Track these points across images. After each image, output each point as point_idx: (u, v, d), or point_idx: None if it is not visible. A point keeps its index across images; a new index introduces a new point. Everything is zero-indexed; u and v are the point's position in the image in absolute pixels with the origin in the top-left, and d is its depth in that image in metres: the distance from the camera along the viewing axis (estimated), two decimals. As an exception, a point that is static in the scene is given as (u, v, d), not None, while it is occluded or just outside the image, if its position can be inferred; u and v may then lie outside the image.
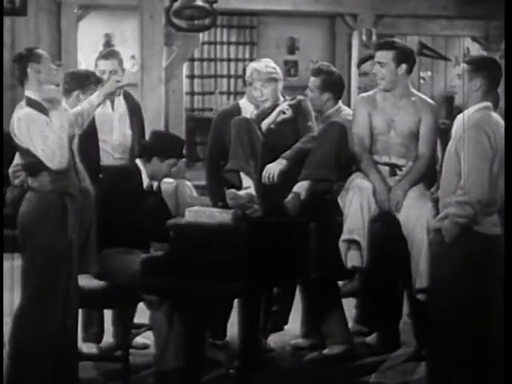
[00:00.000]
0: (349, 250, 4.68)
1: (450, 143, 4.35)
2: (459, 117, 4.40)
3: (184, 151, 5.36)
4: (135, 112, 5.71)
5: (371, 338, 5.84)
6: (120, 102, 5.64)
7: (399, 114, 4.96)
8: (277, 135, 4.99)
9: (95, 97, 4.84)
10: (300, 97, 5.22)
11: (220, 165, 5.32)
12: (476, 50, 12.24)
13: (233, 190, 4.66)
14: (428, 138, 4.94)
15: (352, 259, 4.68)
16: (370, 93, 5.12)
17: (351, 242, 4.66)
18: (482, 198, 4.16)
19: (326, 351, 5.60)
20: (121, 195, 5.06)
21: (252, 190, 4.71)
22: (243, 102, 5.57)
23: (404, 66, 4.94)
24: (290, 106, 5.05)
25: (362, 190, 4.76)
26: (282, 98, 5.13)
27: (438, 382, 4.42)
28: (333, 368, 5.47)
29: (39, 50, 4.68)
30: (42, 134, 4.49)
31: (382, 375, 5.21)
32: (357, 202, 4.72)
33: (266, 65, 5.10)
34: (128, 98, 5.72)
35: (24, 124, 4.51)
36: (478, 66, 4.35)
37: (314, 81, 5.45)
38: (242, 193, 4.66)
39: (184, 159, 5.56)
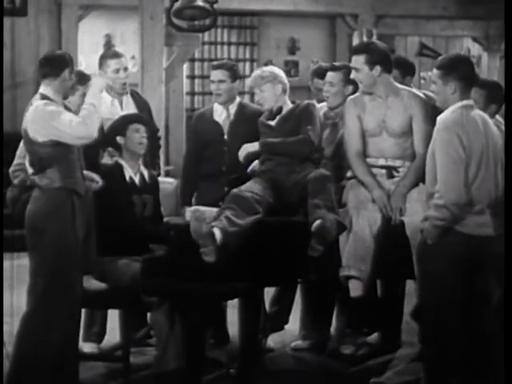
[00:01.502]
0: (349, 280, 4.67)
1: (430, 145, 4.32)
2: (438, 118, 4.38)
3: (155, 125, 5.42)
4: (144, 110, 5.73)
5: (372, 338, 5.84)
6: (128, 100, 5.66)
7: (388, 113, 4.93)
8: (275, 133, 5.03)
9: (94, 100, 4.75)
10: (308, 101, 5.23)
11: (196, 164, 5.45)
12: (476, 51, 12.27)
13: (201, 209, 4.59)
14: (422, 134, 4.88)
15: (354, 290, 4.67)
16: (357, 95, 5.10)
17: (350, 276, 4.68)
18: (457, 201, 4.13)
19: (346, 351, 5.63)
20: (105, 194, 5.03)
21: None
22: (216, 105, 5.63)
23: (378, 68, 4.90)
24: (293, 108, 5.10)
25: (359, 218, 4.74)
26: (288, 102, 5.14)
27: (433, 382, 4.42)
28: (334, 368, 5.48)
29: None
30: (65, 113, 4.50)
31: (384, 376, 5.20)
32: (351, 237, 4.69)
33: (263, 70, 5.20)
34: (136, 97, 5.75)
35: (40, 112, 4.49)
36: (449, 68, 4.29)
37: (334, 75, 5.37)
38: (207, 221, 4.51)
39: (176, 155, 5.63)
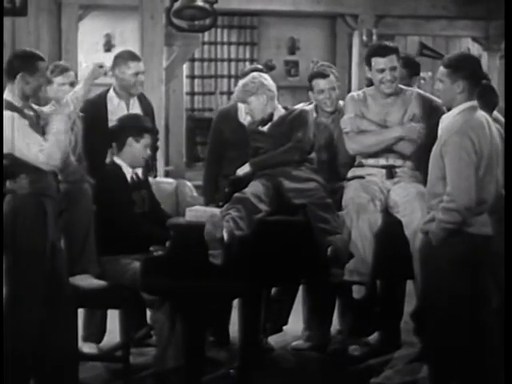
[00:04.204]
0: (353, 283, 4.69)
1: (435, 146, 4.31)
2: (444, 117, 4.37)
3: (156, 128, 5.37)
4: (148, 112, 5.72)
5: (372, 338, 5.84)
6: (135, 102, 5.65)
7: (389, 111, 4.96)
8: (267, 139, 5.00)
9: (80, 88, 4.72)
10: (301, 107, 5.22)
11: (219, 163, 5.43)
12: (476, 50, 12.25)
13: (218, 216, 4.50)
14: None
15: (357, 292, 4.71)
16: (359, 92, 5.12)
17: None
18: (470, 205, 4.12)
19: (356, 352, 5.66)
20: (107, 196, 5.03)
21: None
22: (241, 105, 5.60)
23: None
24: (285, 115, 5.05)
25: (360, 220, 4.73)
26: (279, 107, 5.08)
27: (437, 382, 4.42)
28: (334, 367, 5.48)
29: (40, 61, 4.56)
30: (29, 135, 4.45)
31: (383, 376, 5.20)
32: (352, 241, 4.69)
33: (245, 82, 5.05)
34: (142, 99, 5.73)
35: (7, 126, 4.42)
36: (456, 67, 4.28)
37: (326, 82, 5.42)
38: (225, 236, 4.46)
39: (176, 155, 5.59)
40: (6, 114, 4.45)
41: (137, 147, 5.16)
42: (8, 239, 4.49)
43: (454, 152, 4.16)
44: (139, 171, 5.26)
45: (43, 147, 4.44)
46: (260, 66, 5.84)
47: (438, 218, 4.18)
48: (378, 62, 4.94)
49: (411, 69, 5.69)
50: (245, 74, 5.48)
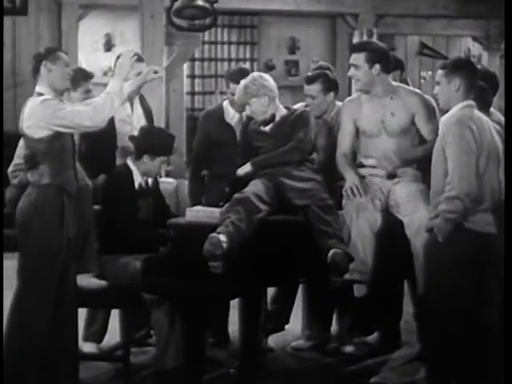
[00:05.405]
0: (353, 282, 4.69)
1: (437, 143, 4.33)
2: (443, 118, 4.39)
3: (174, 146, 5.33)
4: (148, 114, 5.73)
5: (372, 338, 5.84)
6: (137, 103, 5.65)
7: (387, 113, 4.93)
8: (270, 139, 4.99)
9: (128, 85, 4.76)
10: (303, 107, 5.21)
11: (205, 163, 5.44)
12: (476, 50, 12.27)
13: (217, 237, 4.44)
14: (429, 127, 4.89)
15: (358, 290, 4.71)
16: (354, 96, 5.10)
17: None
18: (469, 192, 4.15)
19: (348, 349, 5.66)
20: (113, 197, 5.03)
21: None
22: (226, 104, 5.60)
23: (378, 67, 4.91)
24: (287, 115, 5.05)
25: (359, 219, 4.72)
26: (281, 107, 5.07)
27: (437, 382, 4.42)
28: (333, 367, 5.48)
29: (60, 52, 4.60)
30: (67, 103, 4.48)
31: (382, 376, 5.20)
32: (352, 240, 4.67)
33: (247, 84, 5.00)
34: (142, 99, 5.73)
35: (39, 106, 4.45)
36: (454, 67, 4.34)
37: (312, 88, 5.41)
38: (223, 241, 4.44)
39: (176, 156, 5.57)
40: (39, 97, 4.48)
41: (151, 163, 5.15)
42: (24, 232, 4.50)
43: (453, 142, 4.20)
44: (149, 178, 5.24)
45: (91, 103, 4.46)
46: (246, 67, 5.86)
47: (441, 210, 4.20)
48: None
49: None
50: (231, 75, 5.52)
